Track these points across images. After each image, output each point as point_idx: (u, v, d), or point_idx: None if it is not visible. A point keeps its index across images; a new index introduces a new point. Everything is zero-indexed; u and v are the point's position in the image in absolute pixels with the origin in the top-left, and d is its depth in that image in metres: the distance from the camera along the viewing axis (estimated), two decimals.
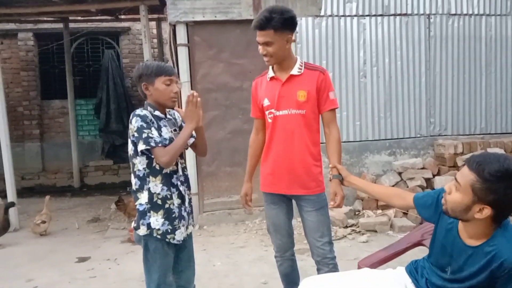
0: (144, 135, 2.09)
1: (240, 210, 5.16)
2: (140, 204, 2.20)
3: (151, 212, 2.18)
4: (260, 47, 2.38)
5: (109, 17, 7.23)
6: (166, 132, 2.19)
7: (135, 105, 8.66)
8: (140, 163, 2.18)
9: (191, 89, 5.05)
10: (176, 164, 2.25)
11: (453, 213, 1.69)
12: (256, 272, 3.78)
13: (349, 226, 4.77)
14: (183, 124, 2.32)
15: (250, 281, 3.62)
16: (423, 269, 1.92)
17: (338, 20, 5.30)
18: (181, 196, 2.25)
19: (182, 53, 5.01)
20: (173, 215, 2.21)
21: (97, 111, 8.73)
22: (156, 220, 2.17)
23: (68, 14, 7.09)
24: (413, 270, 1.96)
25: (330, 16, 5.27)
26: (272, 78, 2.50)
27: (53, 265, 4.19)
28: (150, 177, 2.18)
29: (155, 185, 2.18)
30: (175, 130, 2.28)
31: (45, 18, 7.59)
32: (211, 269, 3.90)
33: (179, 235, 2.24)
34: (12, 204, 5.09)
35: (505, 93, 5.74)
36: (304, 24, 5.17)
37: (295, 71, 2.43)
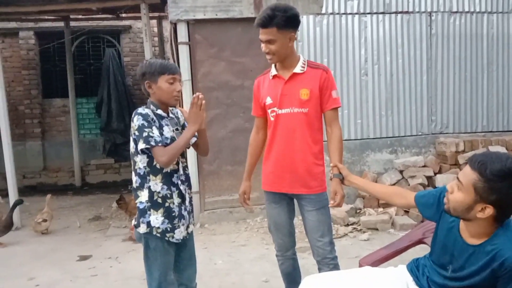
0: (145, 134, 2.09)
1: (241, 209, 5.15)
2: (141, 202, 2.20)
3: (151, 210, 2.18)
4: (262, 45, 2.37)
5: (110, 16, 7.23)
6: (168, 131, 2.19)
7: (136, 103, 8.66)
8: (140, 162, 2.18)
9: (192, 87, 5.05)
10: (177, 163, 2.24)
11: (455, 213, 1.69)
12: (258, 271, 3.78)
13: (350, 224, 4.77)
14: (186, 123, 2.31)
15: (252, 279, 3.62)
16: (424, 267, 1.92)
17: (340, 18, 5.29)
18: (181, 195, 2.25)
19: (183, 51, 5.00)
20: (173, 214, 2.21)
21: (98, 109, 8.73)
22: (156, 219, 2.18)
23: (69, 12, 7.08)
24: (415, 268, 1.96)
25: (331, 14, 5.26)
26: (274, 76, 2.49)
27: (55, 264, 4.19)
28: (151, 175, 2.18)
29: (155, 183, 2.18)
30: (177, 129, 2.28)
31: (46, 17, 7.60)
32: (213, 268, 3.90)
33: (179, 234, 2.24)
34: (20, 201, 5.10)
35: (506, 91, 5.73)
36: (305, 22, 5.16)
37: (298, 69, 2.42)
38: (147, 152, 2.14)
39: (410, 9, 5.42)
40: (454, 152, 5.23)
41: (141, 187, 2.20)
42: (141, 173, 2.19)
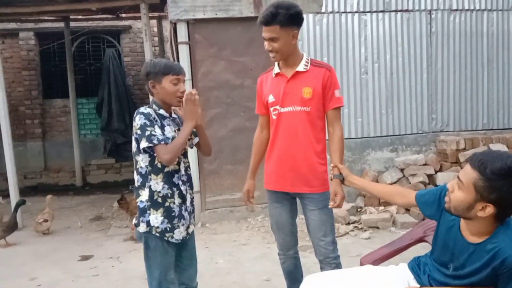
0: (147, 133, 2.10)
1: (242, 208, 5.17)
2: (141, 201, 2.20)
3: (151, 209, 2.18)
4: (265, 42, 2.35)
5: (110, 16, 7.23)
6: (169, 131, 2.19)
7: (137, 103, 8.67)
8: (142, 161, 2.18)
9: (193, 87, 5.04)
10: (178, 164, 2.24)
11: (455, 212, 1.69)
12: (259, 270, 3.78)
13: (351, 223, 4.77)
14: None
15: (253, 278, 3.62)
16: (425, 266, 1.92)
17: (339, 17, 5.28)
18: (181, 196, 2.25)
19: (183, 51, 5.00)
20: (173, 214, 2.21)
21: (98, 109, 8.73)
22: (156, 218, 2.18)
23: (69, 13, 7.09)
24: (416, 266, 1.96)
25: (331, 12, 5.26)
26: (277, 74, 2.47)
27: (56, 264, 4.20)
28: (152, 175, 2.18)
29: (156, 183, 2.18)
30: (178, 129, 2.27)
31: (46, 17, 7.59)
32: (214, 267, 3.90)
33: (178, 234, 2.23)
34: (23, 202, 5.10)
35: (507, 89, 5.73)
36: (305, 21, 5.08)
37: (301, 67, 2.41)
38: (149, 151, 2.14)
39: (410, 7, 5.42)
40: (454, 150, 5.23)
41: (142, 186, 2.20)
42: (143, 172, 2.19)
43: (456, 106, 5.63)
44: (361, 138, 5.42)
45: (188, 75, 5.01)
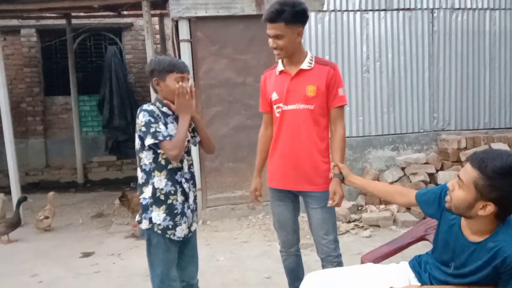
0: (152, 130, 2.10)
1: (243, 206, 5.17)
2: (144, 198, 2.21)
3: (153, 206, 2.19)
4: (270, 40, 2.34)
5: (111, 13, 7.22)
6: (173, 129, 2.19)
7: (138, 101, 8.68)
8: (146, 158, 2.19)
9: (194, 85, 5.05)
10: (182, 161, 2.24)
11: (456, 211, 1.69)
12: (260, 267, 3.79)
13: (352, 221, 4.77)
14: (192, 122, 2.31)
15: (254, 276, 3.63)
16: (426, 264, 1.92)
17: (341, 15, 5.28)
18: (184, 193, 2.25)
19: (185, 49, 5.00)
20: (175, 211, 2.21)
21: (100, 107, 8.74)
22: (158, 215, 2.18)
23: (70, 10, 7.08)
24: (417, 265, 1.96)
25: (333, 11, 5.25)
26: (281, 72, 2.46)
27: (57, 261, 4.21)
28: (156, 171, 2.18)
29: (160, 180, 2.18)
30: None
31: (47, 14, 7.59)
32: (215, 264, 3.91)
33: (180, 232, 2.24)
34: (24, 198, 5.12)
35: (509, 88, 5.72)
36: None
37: (305, 65, 2.39)
38: (153, 147, 2.14)
39: (412, 6, 5.41)
40: (456, 149, 5.23)
41: (146, 183, 2.20)
42: (147, 170, 2.19)
43: (458, 105, 5.62)
44: (362, 136, 5.42)
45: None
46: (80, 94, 8.54)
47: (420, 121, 5.54)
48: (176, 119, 2.24)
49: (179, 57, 5.05)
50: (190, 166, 2.32)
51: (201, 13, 4.96)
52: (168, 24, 7.10)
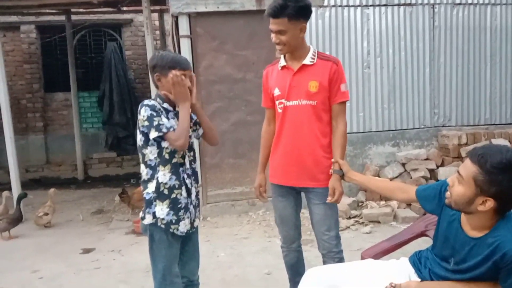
0: (155, 123, 2.09)
1: (244, 202, 5.18)
2: (147, 193, 2.20)
3: (157, 201, 2.18)
4: (272, 35, 2.32)
5: (111, 9, 7.20)
6: (174, 124, 2.19)
7: (138, 97, 8.66)
8: (151, 153, 2.18)
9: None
10: (183, 157, 2.24)
11: (456, 206, 1.69)
12: (260, 263, 3.79)
13: (353, 217, 4.78)
14: (193, 116, 2.30)
15: (254, 272, 3.64)
16: (426, 260, 1.92)
17: (342, 10, 5.26)
18: (187, 189, 2.25)
19: (185, 44, 4.98)
20: (179, 205, 2.21)
21: (100, 103, 8.73)
22: (161, 210, 2.18)
23: (70, 6, 7.06)
24: (417, 260, 1.96)
25: (333, 6, 5.23)
26: (283, 67, 2.45)
27: (58, 257, 4.22)
28: (160, 166, 2.18)
29: (164, 174, 2.18)
30: None
31: (47, 11, 7.57)
32: (215, 260, 3.92)
33: (183, 227, 2.23)
34: (24, 195, 5.12)
35: (510, 84, 5.71)
36: None
37: (307, 60, 2.38)
38: (159, 140, 2.14)
39: (413, 1, 5.39)
40: (456, 145, 5.22)
41: (151, 178, 2.20)
42: (152, 165, 2.19)
43: (459, 101, 5.61)
44: (363, 132, 5.41)
45: None
46: (80, 91, 8.52)
47: (420, 117, 5.53)
48: (177, 114, 2.23)
49: (179, 53, 5.04)
50: (192, 162, 2.31)
51: (201, 8, 4.94)
52: (168, 20, 7.08)
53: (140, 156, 2.23)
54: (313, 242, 3.88)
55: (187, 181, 2.25)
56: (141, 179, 2.28)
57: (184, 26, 4.98)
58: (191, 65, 2.27)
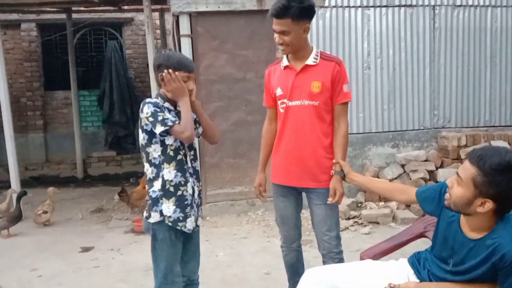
0: (160, 118, 2.10)
1: (243, 202, 5.18)
2: (153, 191, 2.20)
3: (163, 199, 2.18)
4: (276, 35, 2.31)
5: (112, 8, 7.20)
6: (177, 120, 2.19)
7: (138, 96, 8.67)
8: (155, 151, 2.18)
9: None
10: (185, 156, 2.24)
11: (455, 208, 1.69)
12: (259, 263, 3.80)
13: (352, 218, 4.78)
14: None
15: (253, 271, 3.64)
16: (425, 261, 1.93)
17: (342, 11, 5.26)
18: (190, 188, 2.25)
19: (185, 44, 4.99)
20: (186, 202, 2.21)
21: (100, 102, 8.73)
22: (168, 208, 2.18)
23: (71, 4, 7.06)
24: (416, 261, 1.97)
25: (334, 7, 5.23)
26: (286, 67, 2.44)
27: (57, 255, 4.22)
28: (165, 164, 2.18)
29: (169, 171, 2.18)
30: None
31: (48, 9, 7.57)
32: (214, 260, 3.92)
33: (190, 224, 2.24)
34: (24, 193, 5.12)
35: (510, 86, 5.71)
36: None
37: (310, 61, 2.37)
38: (164, 135, 2.14)
39: (414, 3, 5.39)
40: (456, 147, 5.23)
41: (157, 177, 2.20)
42: (156, 163, 2.19)
43: (458, 102, 5.62)
44: (363, 133, 5.42)
45: None
46: (80, 89, 8.53)
47: (420, 118, 5.54)
48: (178, 114, 2.24)
49: (179, 52, 5.04)
50: (192, 161, 2.31)
51: (202, 8, 4.94)
52: (169, 19, 7.08)
53: (144, 155, 2.23)
54: (312, 243, 3.90)
55: (190, 179, 2.26)
56: (139, 178, 2.29)
57: (184, 25, 4.98)
58: (195, 68, 2.27)
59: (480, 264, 1.66)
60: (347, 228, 4.57)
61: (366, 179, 2.45)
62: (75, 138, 8.09)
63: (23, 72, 8.70)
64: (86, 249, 4.37)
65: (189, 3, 4.91)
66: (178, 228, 2.20)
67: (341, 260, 2.48)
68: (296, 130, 2.41)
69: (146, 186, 2.27)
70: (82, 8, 7.66)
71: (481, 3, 5.53)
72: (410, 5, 5.39)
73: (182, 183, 2.20)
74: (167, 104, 2.23)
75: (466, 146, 5.22)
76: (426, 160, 5.26)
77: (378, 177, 5.20)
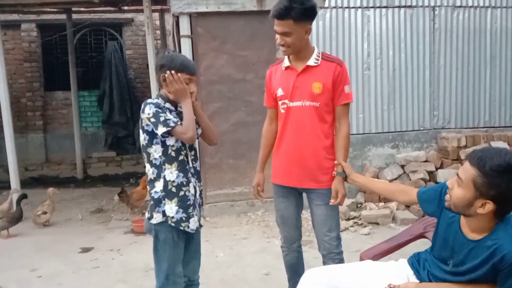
0: (162, 119, 2.10)
1: (243, 202, 5.18)
2: (155, 192, 2.20)
3: (166, 199, 2.19)
4: (277, 36, 2.31)
5: (112, 8, 7.21)
6: (179, 121, 2.19)
7: (138, 96, 8.67)
8: (156, 152, 2.19)
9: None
10: (186, 156, 2.25)
11: (455, 209, 1.69)
12: (259, 263, 3.80)
13: (351, 219, 4.78)
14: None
15: (253, 272, 3.64)
16: (425, 262, 1.93)
17: (342, 12, 5.27)
18: (192, 188, 2.26)
19: (185, 44, 4.99)
20: (188, 203, 2.21)
21: (100, 102, 8.74)
22: (170, 208, 2.18)
23: (71, 5, 7.07)
24: (415, 262, 1.97)
25: (334, 7, 5.24)
26: (287, 68, 2.44)
27: (57, 255, 4.22)
28: (166, 164, 2.19)
29: (171, 172, 2.18)
30: None
31: (48, 9, 7.57)
32: (214, 260, 3.92)
33: (193, 224, 2.24)
34: (24, 196, 5.12)
35: (509, 86, 5.72)
36: None
37: (311, 61, 2.37)
38: (166, 135, 2.14)
39: (414, 3, 5.40)
40: (456, 147, 5.23)
41: (158, 177, 2.20)
42: (157, 164, 2.19)
43: (458, 103, 5.62)
44: (363, 134, 5.42)
45: None
46: (80, 89, 8.52)
47: (420, 119, 5.54)
48: (179, 114, 2.24)
49: (180, 53, 5.04)
50: (193, 161, 2.31)
51: (202, 8, 4.95)
52: (169, 19, 7.09)
53: (145, 156, 2.23)
54: (312, 243, 3.90)
55: (192, 179, 2.26)
56: (139, 178, 2.29)
57: (185, 26, 4.98)
58: (197, 71, 2.28)
59: (480, 265, 1.66)
60: (347, 228, 4.57)
61: (367, 180, 2.45)
62: (75, 138, 8.08)
63: (23, 72, 8.71)
64: (85, 250, 4.37)
65: (189, 4, 4.91)
66: (181, 228, 2.20)
67: (341, 261, 2.48)
68: (297, 130, 2.41)
69: (148, 186, 2.27)
70: (82, 9, 7.67)
71: (481, 4, 5.54)
72: (410, 6, 5.40)
73: (184, 183, 2.20)
74: (167, 105, 2.23)
75: (466, 147, 5.22)
76: (426, 161, 5.26)
77: (378, 178, 5.21)
